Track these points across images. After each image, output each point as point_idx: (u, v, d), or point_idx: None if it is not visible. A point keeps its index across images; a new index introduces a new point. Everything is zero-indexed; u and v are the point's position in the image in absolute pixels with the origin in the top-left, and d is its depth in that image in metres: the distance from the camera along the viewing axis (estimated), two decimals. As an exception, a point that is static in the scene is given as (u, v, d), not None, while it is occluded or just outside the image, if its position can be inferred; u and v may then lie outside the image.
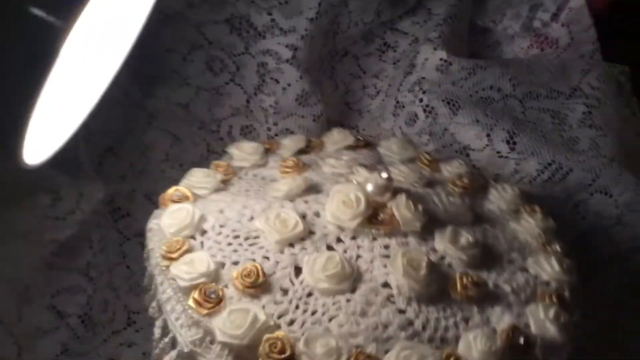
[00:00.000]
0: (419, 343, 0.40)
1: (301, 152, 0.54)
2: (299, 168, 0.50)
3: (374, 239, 0.44)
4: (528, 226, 0.50)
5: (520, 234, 0.50)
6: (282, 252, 0.42)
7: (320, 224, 0.44)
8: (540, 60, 0.67)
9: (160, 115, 0.60)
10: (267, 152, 0.54)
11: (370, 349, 0.39)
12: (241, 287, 0.40)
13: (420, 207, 0.44)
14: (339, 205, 0.43)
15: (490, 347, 0.40)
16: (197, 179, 0.50)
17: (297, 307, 0.40)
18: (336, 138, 0.56)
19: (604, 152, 0.61)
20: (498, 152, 0.60)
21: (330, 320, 0.40)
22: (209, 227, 0.45)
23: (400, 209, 0.43)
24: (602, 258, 0.61)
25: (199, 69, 0.60)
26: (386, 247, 0.43)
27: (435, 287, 0.42)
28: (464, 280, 0.43)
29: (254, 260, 0.42)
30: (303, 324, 0.40)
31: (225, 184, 0.50)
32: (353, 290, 0.41)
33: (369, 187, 0.44)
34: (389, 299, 0.41)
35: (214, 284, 0.41)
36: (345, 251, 0.43)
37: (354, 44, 0.67)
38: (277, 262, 0.42)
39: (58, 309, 0.58)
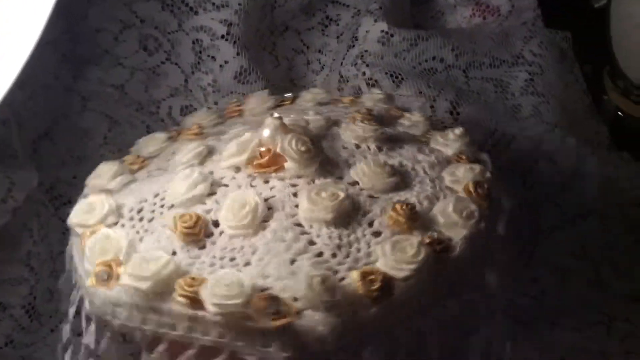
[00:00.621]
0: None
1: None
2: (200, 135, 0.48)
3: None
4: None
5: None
6: None
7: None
8: (482, 29, 0.68)
9: (95, 98, 0.59)
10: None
11: None
12: None
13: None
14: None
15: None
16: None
17: None
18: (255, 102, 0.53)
19: (546, 119, 0.62)
20: (442, 123, 0.60)
21: None
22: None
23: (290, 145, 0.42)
24: (547, 224, 0.62)
25: (133, 48, 0.59)
26: None
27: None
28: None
29: None
30: None
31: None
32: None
33: (265, 133, 0.42)
34: None
35: None
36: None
37: (294, 18, 0.66)
38: None
39: (0, 300, 0.57)
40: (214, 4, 0.58)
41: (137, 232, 0.41)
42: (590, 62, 0.75)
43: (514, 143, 0.60)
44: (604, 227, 0.61)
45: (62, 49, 0.57)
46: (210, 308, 0.34)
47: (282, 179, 0.41)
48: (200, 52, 0.60)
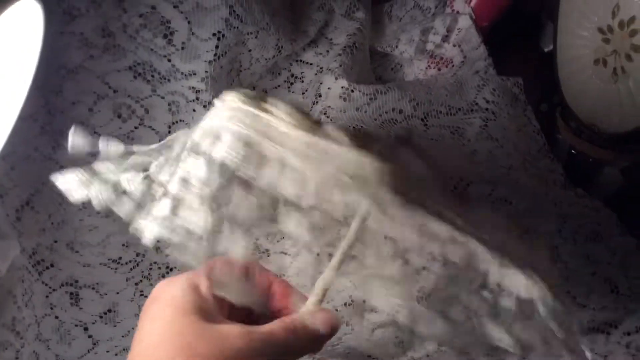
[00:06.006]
0: None
1: None
2: None
3: None
4: None
5: None
6: None
7: None
8: (437, 80, 0.70)
9: (72, 166, 0.60)
10: None
11: None
12: None
13: None
14: None
15: None
16: None
17: None
18: None
19: (501, 162, 0.64)
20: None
21: None
22: None
23: None
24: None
25: (107, 117, 0.60)
26: None
27: None
28: None
29: None
30: None
31: None
32: None
33: None
34: None
35: None
36: None
37: (261, 78, 0.69)
38: None
39: (-13, 366, 0.59)
40: (182, 72, 0.59)
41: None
42: (547, 101, 0.79)
43: (472, 187, 0.62)
44: (562, 261, 0.63)
45: (40, 122, 0.58)
46: None
47: None
48: (176, 113, 0.61)
